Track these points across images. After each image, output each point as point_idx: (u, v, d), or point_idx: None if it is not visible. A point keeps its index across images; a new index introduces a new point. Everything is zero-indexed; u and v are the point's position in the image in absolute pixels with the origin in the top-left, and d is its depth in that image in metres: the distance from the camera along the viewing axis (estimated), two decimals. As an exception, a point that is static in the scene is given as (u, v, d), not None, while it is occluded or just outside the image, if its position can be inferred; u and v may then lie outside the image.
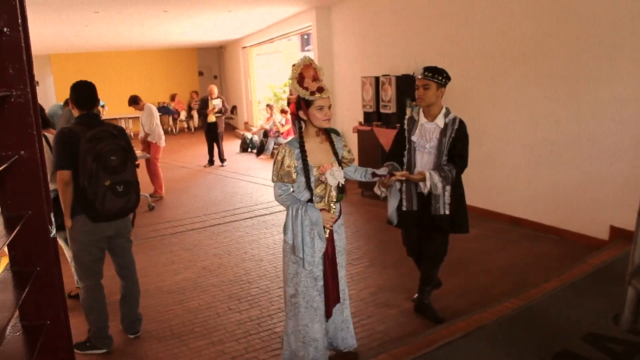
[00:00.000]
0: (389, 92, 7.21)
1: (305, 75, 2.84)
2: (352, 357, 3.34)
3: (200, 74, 19.92)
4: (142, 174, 9.41)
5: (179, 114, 18.30)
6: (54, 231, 1.84)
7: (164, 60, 18.82)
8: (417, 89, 3.60)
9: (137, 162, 3.70)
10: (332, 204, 2.97)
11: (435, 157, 3.61)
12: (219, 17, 10.67)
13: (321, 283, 3.01)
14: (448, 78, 3.59)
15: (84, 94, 3.51)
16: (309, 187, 2.91)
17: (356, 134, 7.99)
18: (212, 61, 20.29)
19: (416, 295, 4.00)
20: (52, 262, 1.83)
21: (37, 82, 12.65)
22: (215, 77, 20.27)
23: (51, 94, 17.15)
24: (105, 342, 3.65)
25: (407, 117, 3.81)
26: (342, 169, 2.98)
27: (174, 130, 18.17)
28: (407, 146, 3.71)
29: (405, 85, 6.96)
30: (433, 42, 6.88)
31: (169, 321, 4.06)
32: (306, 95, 2.82)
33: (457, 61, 6.41)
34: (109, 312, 3.70)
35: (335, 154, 3.00)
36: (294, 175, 2.87)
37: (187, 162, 12.01)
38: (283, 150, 2.89)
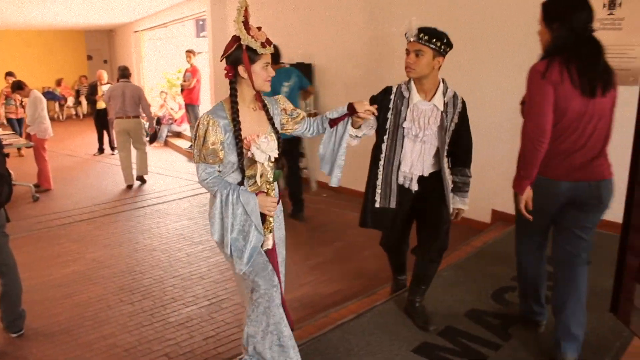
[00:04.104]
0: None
1: (250, 21, 2.28)
2: None
3: (89, 58, 18.99)
4: (27, 163, 8.95)
5: (65, 100, 17.35)
6: None
7: (47, 42, 17.71)
8: (407, 55, 2.80)
9: (6, 152, 3.47)
10: (268, 185, 2.37)
11: (434, 150, 2.96)
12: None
13: (271, 267, 2.48)
14: (449, 45, 2.76)
15: None
16: (241, 168, 2.36)
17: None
18: (102, 45, 19.36)
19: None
20: None
21: None
22: (106, 61, 19.37)
23: None
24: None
25: (393, 88, 2.93)
26: (279, 138, 2.41)
27: (61, 117, 17.22)
28: (388, 129, 2.93)
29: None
30: (332, 32, 7.02)
31: (56, 316, 3.91)
32: (257, 47, 2.25)
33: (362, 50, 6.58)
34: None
35: (271, 121, 2.46)
36: (221, 154, 2.31)
37: (76, 150, 11.47)
38: (205, 122, 2.28)
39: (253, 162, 2.33)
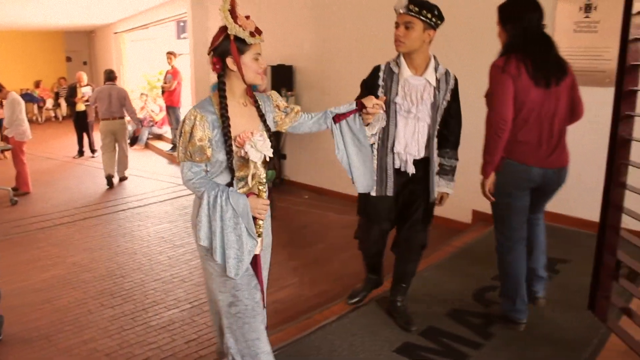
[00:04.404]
0: (264, 82, 7.25)
1: (237, 9, 2.13)
2: None
3: (68, 59, 18.81)
4: (6, 166, 8.82)
5: (44, 102, 17.14)
6: None
7: (25, 43, 17.48)
8: (396, 28, 2.70)
9: None
10: (260, 187, 2.21)
11: (428, 127, 2.84)
12: (87, -1, 10.16)
13: (256, 281, 2.35)
14: (440, 17, 2.68)
15: None
16: (230, 167, 2.19)
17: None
18: (82, 46, 19.18)
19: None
20: None
21: None
22: (85, 63, 19.19)
23: None
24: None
25: (382, 66, 2.85)
26: (271, 136, 2.24)
27: (40, 119, 16.99)
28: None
29: (281, 75, 7.06)
30: (312, 34, 7.03)
31: (35, 321, 3.85)
32: (245, 36, 2.10)
33: (342, 46, 6.60)
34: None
35: (262, 118, 2.30)
36: (209, 152, 2.14)
37: (55, 153, 11.32)
38: (192, 117, 2.13)
39: (244, 161, 2.18)
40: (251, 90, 2.29)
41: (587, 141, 4.49)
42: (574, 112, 2.92)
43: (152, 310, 3.97)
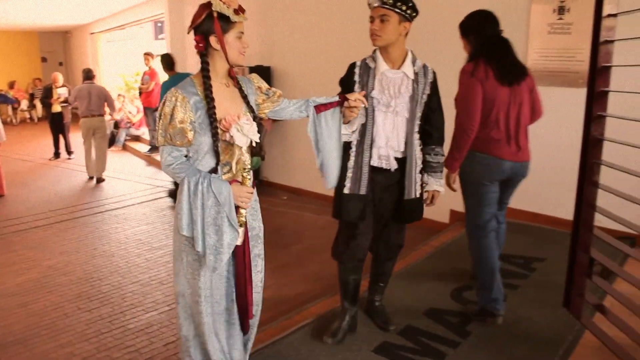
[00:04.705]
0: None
1: None
2: None
3: (44, 60, 18.57)
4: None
5: (19, 103, 16.87)
6: None
7: (-1, 43, 17.24)
8: (371, 22, 2.64)
9: None
10: (244, 173, 2.14)
11: (407, 122, 2.74)
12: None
13: (232, 284, 2.29)
14: (414, 9, 2.62)
15: None
16: (215, 150, 2.10)
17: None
18: (57, 47, 18.94)
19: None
20: None
21: None
22: (61, 64, 18.96)
23: None
24: None
25: (357, 62, 2.78)
26: (256, 119, 2.19)
27: (14, 120, 16.72)
28: None
29: (259, 75, 7.02)
30: (289, 34, 7.02)
31: (10, 326, 3.80)
32: (230, 14, 2.03)
33: (320, 50, 6.60)
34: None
35: (246, 99, 2.23)
36: (190, 135, 2.06)
37: (31, 154, 11.17)
38: (173, 98, 2.05)
39: (229, 145, 2.11)
40: (233, 70, 2.21)
41: (561, 141, 4.56)
42: (535, 111, 3.22)
43: (130, 313, 3.93)
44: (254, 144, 2.10)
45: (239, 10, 2.06)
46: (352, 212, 2.79)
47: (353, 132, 2.61)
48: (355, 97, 2.40)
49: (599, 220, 2.60)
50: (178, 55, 9.04)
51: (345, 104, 2.40)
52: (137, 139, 11.95)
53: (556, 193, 4.67)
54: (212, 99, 2.06)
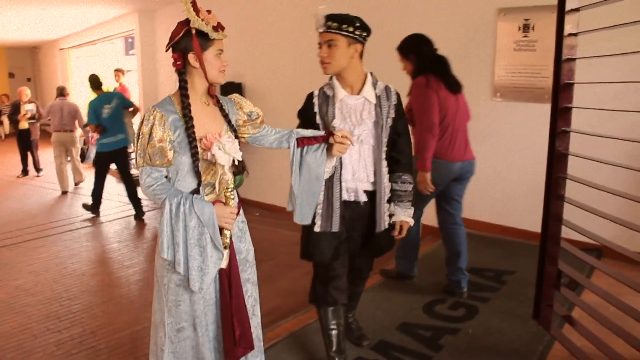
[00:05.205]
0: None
1: (198, 2, 1.98)
2: None
3: (11, 75, 18.24)
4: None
5: (-14, 120, 16.56)
6: None
7: (-35, 59, 16.93)
8: (319, 48, 2.47)
9: None
10: (227, 193, 2.05)
11: (374, 150, 2.56)
12: (31, 14, 9.90)
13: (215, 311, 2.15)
14: (365, 29, 2.43)
15: None
16: (195, 171, 2.03)
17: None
18: (25, 62, 18.66)
19: None
20: None
21: None
22: (29, 79, 18.67)
23: None
24: None
25: (315, 92, 2.60)
26: (235, 135, 2.13)
27: (-19, 137, 16.45)
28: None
29: (230, 92, 7.01)
30: (260, 51, 7.05)
31: (-24, 349, 3.71)
32: (209, 31, 1.96)
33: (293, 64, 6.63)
34: None
35: (227, 118, 2.16)
36: (170, 154, 1.99)
37: (-3, 172, 10.97)
38: (151, 117, 1.98)
39: (211, 165, 2.03)
40: (213, 89, 2.14)
41: (528, 155, 4.66)
42: (467, 115, 3.70)
43: (100, 333, 3.86)
44: (236, 162, 2.04)
45: (218, 28, 2.00)
46: (325, 253, 2.59)
47: (334, 167, 2.46)
48: (342, 134, 2.22)
49: (566, 232, 2.66)
50: (149, 71, 9.05)
51: (331, 139, 2.24)
52: (107, 155, 11.78)
53: (525, 206, 4.75)
54: (191, 118, 1.99)
